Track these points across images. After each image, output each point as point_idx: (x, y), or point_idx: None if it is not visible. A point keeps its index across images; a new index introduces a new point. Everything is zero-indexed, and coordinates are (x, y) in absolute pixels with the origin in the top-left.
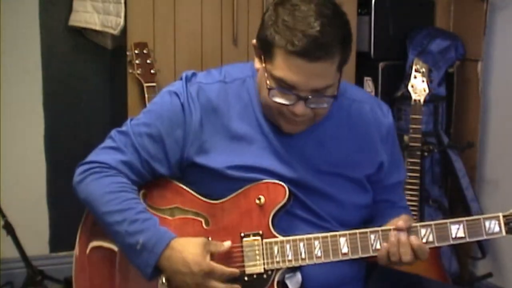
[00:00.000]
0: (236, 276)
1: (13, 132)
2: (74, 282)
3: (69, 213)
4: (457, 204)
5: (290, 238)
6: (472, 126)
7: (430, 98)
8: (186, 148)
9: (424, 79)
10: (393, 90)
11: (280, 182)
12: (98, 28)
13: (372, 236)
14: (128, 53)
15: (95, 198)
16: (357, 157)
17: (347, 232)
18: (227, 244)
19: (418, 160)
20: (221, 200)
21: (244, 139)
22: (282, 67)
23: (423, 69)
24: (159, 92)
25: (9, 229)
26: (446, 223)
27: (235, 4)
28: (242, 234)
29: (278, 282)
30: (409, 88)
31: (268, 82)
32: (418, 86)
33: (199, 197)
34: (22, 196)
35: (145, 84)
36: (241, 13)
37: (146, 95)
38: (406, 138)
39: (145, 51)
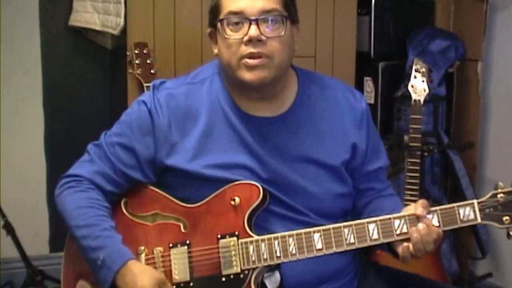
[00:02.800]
0: (213, 277)
1: (13, 132)
2: None
3: None
4: None
5: (265, 237)
6: (472, 126)
7: (430, 98)
8: (157, 153)
9: (424, 79)
10: (393, 90)
11: (254, 182)
12: (98, 28)
13: (346, 231)
14: (128, 53)
15: (68, 211)
16: (331, 143)
17: (321, 228)
18: None
19: (418, 160)
20: (197, 204)
21: (213, 134)
22: (228, 2)
23: (423, 69)
24: (132, 103)
25: (9, 229)
26: (390, 218)
27: None
28: (219, 236)
29: (255, 281)
30: (409, 88)
31: (224, 33)
32: (418, 86)
33: (177, 201)
34: (22, 196)
35: (145, 84)
36: None
37: None
38: (406, 138)
39: (145, 51)
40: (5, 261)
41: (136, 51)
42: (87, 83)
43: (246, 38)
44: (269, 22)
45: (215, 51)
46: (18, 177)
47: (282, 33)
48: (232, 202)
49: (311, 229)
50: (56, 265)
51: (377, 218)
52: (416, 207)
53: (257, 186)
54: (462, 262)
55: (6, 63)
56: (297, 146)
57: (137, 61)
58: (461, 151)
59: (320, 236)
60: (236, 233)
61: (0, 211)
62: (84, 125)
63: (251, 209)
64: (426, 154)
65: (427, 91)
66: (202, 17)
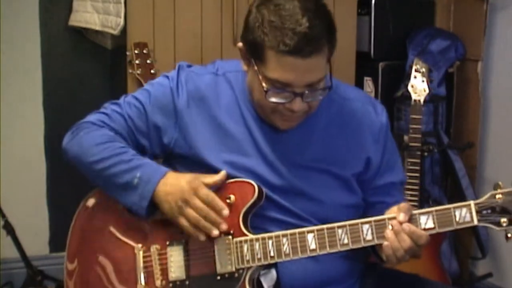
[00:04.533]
0: (208, 276)
1: (13, 132)
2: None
3: (69, 213)
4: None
5: (260, 236)
6: (472, 126)
7: (430, 98)
8: (169, 129)
9: (424, 79)
10: (393, 90)
11: (250, 181)
12: (98, 28)
13: (340, 231)
14: (128, 53)
15: (86, 150)
16: (345, 154)
17: (314, 228)
18: (223, 173)
19: (418, 160)
20: None
21: (231, 135)
22: (276, 68)
23: (423, 69)
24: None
25: (9, 229)
26: (415, 214)
27: (235, 4)
28: None
29: (249, 280)
30: (409, 88)
31: (263, 84)
32: (418, 86)
33: None
34: (22, 196)
35: (145, 84)
36: (241, 13)
37: None
38: (406, 138)
39: (145, 51)
40: (5, 261)
41: (136, 51)
42: (87, 83)
43: (288, 106)
44: (315, 93)
45: (245, 68)
46: (18, 177)
47: (321, 97)
48: (228, 200)
49: (305, 229)
50: (56, 265)
51: (372, 219)
52: (398, 214)
53: (253, 185)
54: (462, 262)
55: (6, 63)
56: (309, 154)
57: (137, 61)
58: (461, 151)
59: (314, 236)
60: (231, 232)
61: (0, 211)
62: None
63: (246, 207)
64: (426, 154)
65: (427, 91)
66: (202, 17)
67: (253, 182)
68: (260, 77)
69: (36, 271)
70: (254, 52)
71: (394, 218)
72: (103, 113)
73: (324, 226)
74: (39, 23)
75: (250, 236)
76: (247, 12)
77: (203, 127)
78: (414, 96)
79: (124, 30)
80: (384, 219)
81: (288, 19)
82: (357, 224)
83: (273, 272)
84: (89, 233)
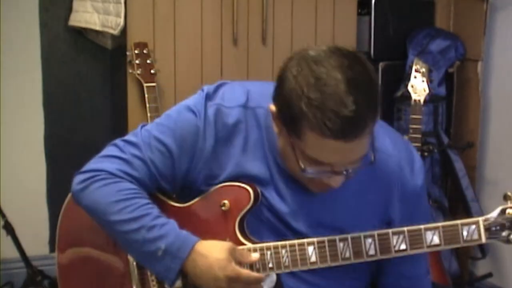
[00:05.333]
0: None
1: (13, 132)
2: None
3: None
4: (457, 204)
5: (258, 246)
6: (472, 126)
7: (430, 98)
8: (193, 171)
9: (424, 79)
10: (393, 90)
11: (244, 185)
12: (98, 28)
13: (341, 244)
14: (128, 53)
15: (103, 207)
16: (365, 217)
17: (315, 239)
18: (255, 256)
19: None
20: (187, 204)
21: (253, 180)
22: (315, 148)
23: (423, 69)
24: (177, 105)
25: (9, 229)
26: (420, 229)
27: (235, 4)
28: None
29: None
30: (409, 88)
31: (300, 162)
32: (418, 86)
33: (167, 200)
34: (22, 196)
35: (145, 84)
36: (241, 13)
37: (146, 95)
38: (406, 138)
39: (145, 51)
40: (5, 261)
41: (136, 51)
42: (87, 83)
43: (326, 181)
44: (355, 168)
45: (276, 129)
46: (18, 177)
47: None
48: (223, 208)
49: (305, 240)
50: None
51: (375, 232)
52: None
53: (248, 190)
54: (462, 262)
55: (6, 63)
56: (331, 211)
57: (137, 61)
58: (461, 151)
59: (314, 248)
60: (227, 239)
61: (0, 211)
62: (84, 125)
63: (241, 214)
64: (426, 154)
65: (427, 91)
66: (202, 17)
67: (248, 188)
68: (297, 152)
69: (36, 271)
70: (290, 124)
71: (413, 230)
72: (122, 159)
73: (325, 238)
74: (39, 23)
75: (248, 245)
76: (282, 71)
77: (228, 168)
78: (414, 96)
79: (124, 30)
80: (387, 233)
81: (331, 98)
82: (359, 236)
83: (273, 275)
84: (80, 227)
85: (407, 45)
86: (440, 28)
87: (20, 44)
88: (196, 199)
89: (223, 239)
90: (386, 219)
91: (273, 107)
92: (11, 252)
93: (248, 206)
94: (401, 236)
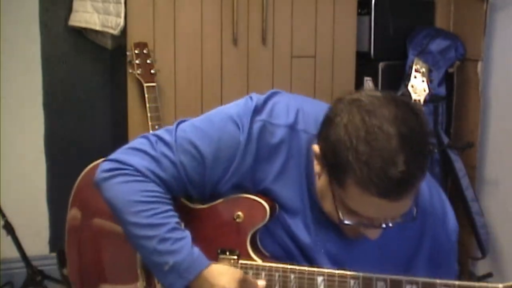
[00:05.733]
0: None
1: (13, 132)
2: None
3: None
4: (457, 204)
5: (267, 265)
6: (472, 126)
7: (430, 98)
8: (224, 182)
9: (424, 79)
10: (393, 90)
11: (261, 201)
12: (98, 28)
13: (352, 282)
14: (128, 53)
15: (122, 204)
16: (389, 265)
17: (325, 270)
18: (262, 284)
19: None
20: (201, 206)
21: (283, 206)
22: (357, 201)
23: (423, 69)
24: (222, 110)
25: (9, 229)
26: (435, 283)
27: (235, 4)
28: (219, 251)
29: None
30: (409, 88)
31: (339, 211)
32: (418, 86)
33: (182, 199)
34: (22, 196)
35: (145, 84)
36: (241, 13)
37: (146, 95)
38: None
39: (145, 51)
40: (5, 261)
41: (136, 51)
42: (87, 83)
43: (363, 231)
44: (395, 222)
45: (317, 169)
46: (18, 177)
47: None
48: (237, 219)
49: (315, 270)
50: (56, 265)
51: (388, 277)
52: None
53: (264, 207)
54: (462, 262)
55: (6, 63)
56: (346, 254)
57: (137, 61)
58: (461, 151)
59: (324, 280)
60: (237, 252)
61: (0, 211)
62: (84, 125)
63: (254, 229)
64: None
65: (427, 91)
66: (202, 17)
67: (264, 204)
68: (336, 200)
69: (36, 271)
70: (333, 171)
71: (428, 283)
72: (152, 157)
73: (336, 272)
74: (39, 23)
75: (258, 261)
76: (332, 114)
77: (258, 184)
78: (414, 96)
79: (124, 30)
80: (401, 280)
81: (381, 154)
82: (371, 278)
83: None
84: (91, 209)
85: (407, 45)
86: (440, 28)
87: (20, 44)
88: (212, 204)
89: (233, 249)
90: (406, 271)
91: (316, 148)
92: (11, 252)
93: (263, 223)
94: (414, 286)
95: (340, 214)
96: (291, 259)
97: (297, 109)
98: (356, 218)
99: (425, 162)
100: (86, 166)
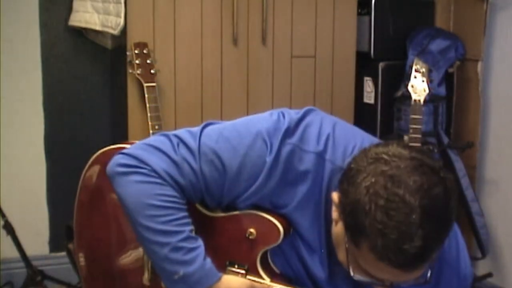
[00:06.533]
0: None
1: (13, 132)
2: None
3: (69, 213)
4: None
5: (275, 285)
6: (472, 126)
7: (430, 98)
8: (243, 198)
9: (424, 79)
10: (393, 90)
11: (276, 223)
12: (98, 28)
13: None
14: (128, 53)
15: (136, 204)
16: None
17: None
18: None
19: None
20: (214, 215)
21: (302, 238)
22: (370, 265)
23: (423, 69)
24: (251, 123)
25: (9, 229)
26: None
27: (235, 4)
28: (227, 262)
29: None
30: (409, 88)
31: (350, 267)
32: (418, 86)
33: (196, 205)
34: (22, 196)
35: (145, 84)
36: (241, 13)
37: (146, 95)
38: (406, 138)
39: (145, 51)
40: (5, 261)
41: (136, 51)
42: (87, 83)
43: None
44: (408, 284)
45: (334, 216)
46: (18, 177)
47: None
48: (250, 236)
49: None
50: (56, 265)
51: None
52: None
53: (279, 229)
54: None
55: (6, 63)
56: None
57: (137, 61)
58: (461, 151)
59: None
60: (246, 267)
61: (0, 211)
62: (84, 125)
63: (266, 249)
64: None
65: (427, 91)
66: (202, 17)
67: (279, 225)
68: (349, 256)
69: (36, 271)
70: (350, 229)
71: None
72: (172, 160)
73: None
74: (39, 23)
75: (266, 280)
76: (356, 167)
77: (277, 207)
78: (414, 96)
79: (124, 30)
80: None
81: (398, 228)
82: None
83: None
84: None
85: (407, 45)
86: (440, 28)
87: (20, 44)
88: (226, 214)
89: (243, 264)
90: None
91: (336, 197)
92: (11, 252)
93: (275, 245)
94: None
95: (351, 269)
96: (301, 285)
97: (328, 135)
98: (367, 276)
99: (446, 234)
100: (82, 167)
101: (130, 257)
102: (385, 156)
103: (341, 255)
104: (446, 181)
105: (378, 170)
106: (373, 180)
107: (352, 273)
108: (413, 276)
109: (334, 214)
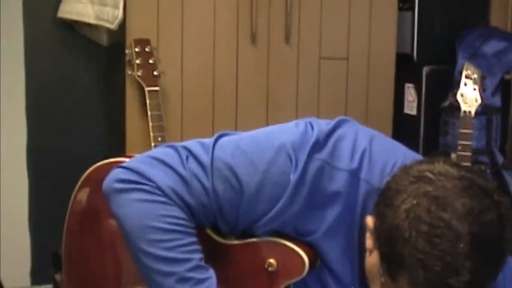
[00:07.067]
0: None
1: None
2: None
3: (56, 238)
4: None
5: None
6: None
7: (483, 110)
8: (262, 224)
9: (476, 87)
10: (440, 100)
11: (301, 253)
12: (92, 21)
13: None
14: (127, 51)
15: (137, 227)
16: None
17: None
18: None
19: None
20: (228, 242)
21: (329, 270)
22: None
23: (475, 75)
24: (274, 133)
25: None
26: None
27: None
28: None
29: None
30: (458, 97)
31: None
32: (469, 95)
33: (207, 230)
34: (1, 222)
35: (147, 88)
36: (261, 5)
37: (147, 101)
38: (453, 156)
39: (147, 49)
40: None
41: (136, 49)
42: (78, 86)
43: None
44: None
45: (368, 245)
46: None
47: None
48: (270, 268)
49: None
50: None
51: None
52: None
53: (303, 260)
54: None
55: None
56: None
57: (137, 61)
58: None
59: None
60: None
61: None
62: (74, 136)
63: (288, 283)
64: None
65: (479, 101)
66: (215, 10)
67: (304, 256)
68: None
69: None
70: (386, 259)
71: None
72: (180, 175)
73: None
74: (22, 15)
75: None
76: (392, 186)
77: (302, 235)
78: (464, 107)
79: (122, 24)
80: None
81: (443, 257)
82: None
83: None
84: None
85: (457, 47)
86: (495, 27)
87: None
88: (242, 242)
89: None
90: None
91: (370, 222)
92: None
93: (299, 278)
94: None
95: None
96: None
97: (363, 150)
98: None
99: (498, 268)
100: (71, 185)
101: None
102: (429, 175)
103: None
104: (501, 205)
105: (421, 191)
106: (414, 202)
107: None
108: None
109: (369, 242)
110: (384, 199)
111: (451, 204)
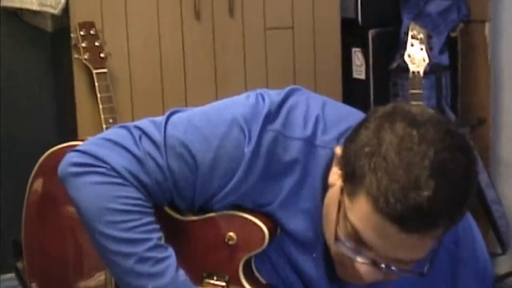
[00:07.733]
0: None
1: None
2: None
3: (15, 226)
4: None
5: None
6: (482, 99)
7: (431, 69)
8: (220, 197)
9: (423, 46)
10: (387, 62)
11: (260, 224)
12: (35, 8)
13: None
14: (72, 35)
15: (94, 209)
16: None
17: None
18: None
19: None
20: (186, 218)
21: (291, 239)
22: (362, 218)
23: (421, 35)
24: (225, 107)
25: None
26: None
27: None
28: (204, 274)
29: None
30: (406, 58)
31: (337, 226)
32: (416, 56)
33: (165, 208)
34: None
35: (95, 71)
36: None
37: (96, 84)
38: None
39: (92, 32)
40: None
41: (81, 33)
42: (24, 73)
43: (355, 266)
44: (397, 272)
45: (331, 180)
46: None
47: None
48: (230, 242)
49: None
50: None
51: None
52: None
53: (263, 231)
54: None
55: None
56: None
57: (83, 44)
58: (471, 129)
59: None
60: (227, 278)
61: None
62: (22, 123)
63: (249, 255)
64: None
65: (426, 60)
66: None
67: (263, 227)
68: (340, 214)
69: None
70: (347, 177)
71: None
72: (134, 156)
73: None
74: None
75: None
76: (371, 117)
77: (260, 205)
78: (412, 67)
79: (66, 9)
80: None
81: (408, 169)
82: None
83: None
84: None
85: (401, 8)
86: None
87: None
88: (200, 217)
89: (222, 274)
90: None
91: (339, 150)
92: None
93: (259, 250)
94: None
95: (339, 230)
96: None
97: (317, 117)
98: (354, 244)
99: (458, 207)
100: (26, 172)
101: (92, 276)
102: (410, 109)
103: (329, 223)
104: (471, 153)
105: (397, 118)
106: (387, 122)
107: (338, 233)
108: (407, 249)
109: (332, 176)
110: (354, 129)
111: (424, 126)
